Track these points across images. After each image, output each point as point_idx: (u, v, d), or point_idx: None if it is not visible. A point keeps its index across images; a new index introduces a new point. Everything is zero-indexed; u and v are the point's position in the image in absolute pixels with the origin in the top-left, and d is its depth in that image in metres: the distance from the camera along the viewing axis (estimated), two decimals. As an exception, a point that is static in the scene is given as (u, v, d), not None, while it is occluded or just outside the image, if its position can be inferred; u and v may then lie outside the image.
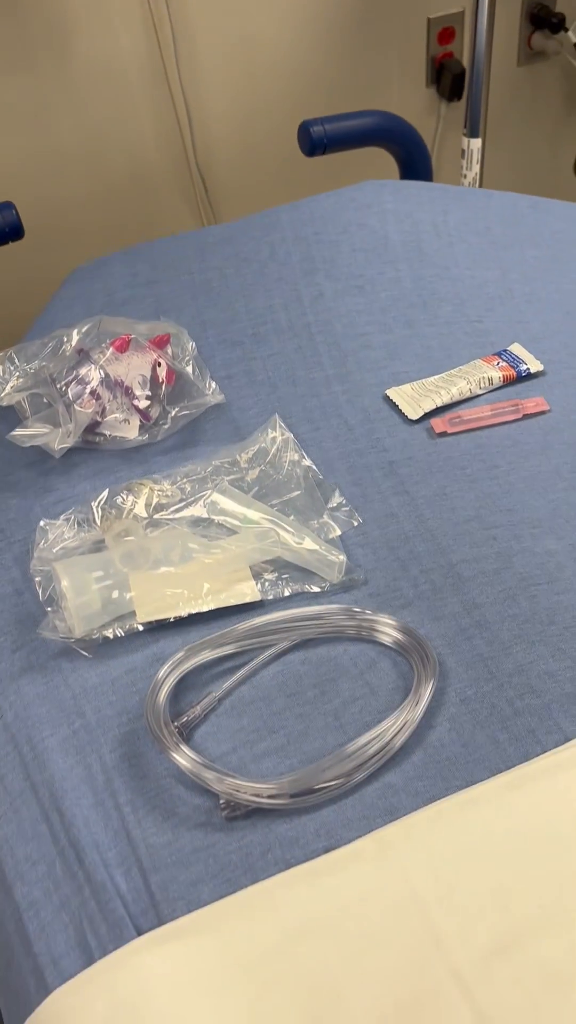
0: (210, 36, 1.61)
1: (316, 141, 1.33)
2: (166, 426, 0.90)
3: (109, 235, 1.75)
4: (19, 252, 1.38)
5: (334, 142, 1.34)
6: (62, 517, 0.82)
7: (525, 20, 1.90)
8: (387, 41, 1.79)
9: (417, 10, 1.78)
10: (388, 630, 0.73)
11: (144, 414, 0.89)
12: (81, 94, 1.57)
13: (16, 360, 0.93)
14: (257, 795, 0.63)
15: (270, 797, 0.63)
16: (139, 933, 0.60)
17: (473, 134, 1.51)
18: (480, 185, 1.59)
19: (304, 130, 1.33)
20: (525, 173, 2.13)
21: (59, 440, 0.86)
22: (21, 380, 0.91)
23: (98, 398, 0.87)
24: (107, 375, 0.87)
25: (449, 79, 1.89)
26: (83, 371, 0.87)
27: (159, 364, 0.90)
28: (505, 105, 1.95)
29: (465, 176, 1.56)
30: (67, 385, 0.87)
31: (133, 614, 0.74)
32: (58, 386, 0.87)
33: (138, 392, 0.89)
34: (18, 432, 0.87)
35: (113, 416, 0.88)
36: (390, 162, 1.51)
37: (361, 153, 1.48)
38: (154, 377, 0.90)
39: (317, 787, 0.64)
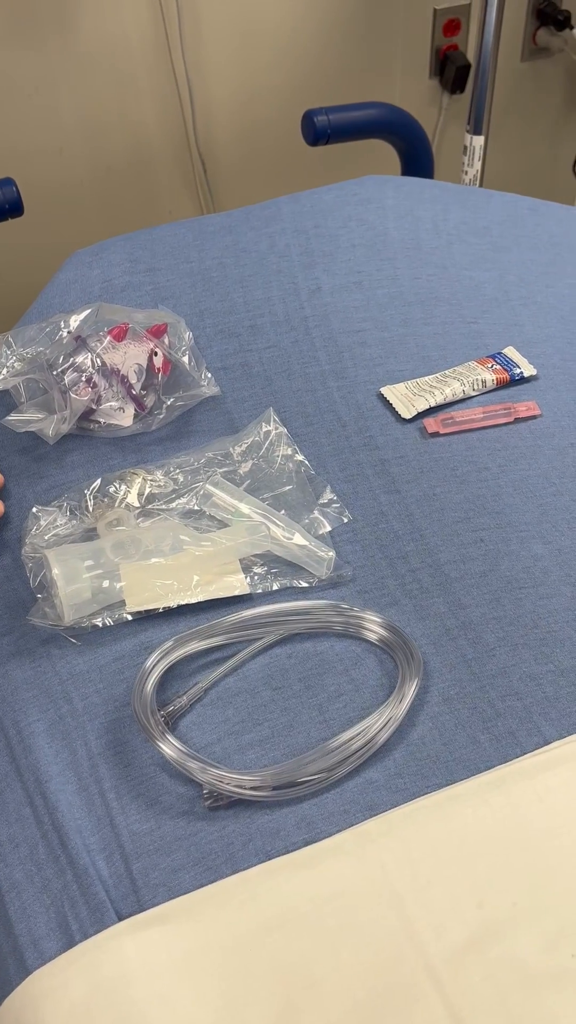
0: (215, 19, 1.60)
1: (320, 131, 1.33)
2: (160, 416, 0.90)
3: (108, 215, 1.75)
4: (17, 230, 1.37)
5: (338, 133, 1.34)
6: (54, 504, 0.82)
7: (531, 15, 1.89)
8: (392, 30, 1.79)
9: (423, 0, 1.77)
10: (374, 627, 0.74)
11: (139, 403, 0.90)
12: (84, 72, 1.56)
13: (13, 344, 0.92)
14: (240, 786, 0.64)
15: (253, 789, 0.65)
16: (120, 918, 0.61)
17: (476, 131, 1.51)
18: (481, 182, 1.59)
19: (308, 119, 1.33)
20: (524, 171, 2.13)
21: (54, 427, 0.86)
22: (18, 365, 0.91)
23: (94, 386, 0.87)
24: (103, 363, 0.88)
25: (453, 71, 1.88)
26: (80, 358, 0.87)
27: (155, 353, 0.90)
28: (507, 101, 1.95)
29: (466, 173, 1.56)
30: (63, 372, 0.87)
31: (123, 603, 0.75)
32: (54, 372, 0.87)
33: (134, 381, 0.89)
34: (13, 417, 0.87)
35: (108, 404, 0.88)
36: (389, 154, 1.51)
37: (361, 144, 1.48)
38: (150, 366, 0.90)
39: (300, 780, 0.65)
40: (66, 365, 0.87)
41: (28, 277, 1.42)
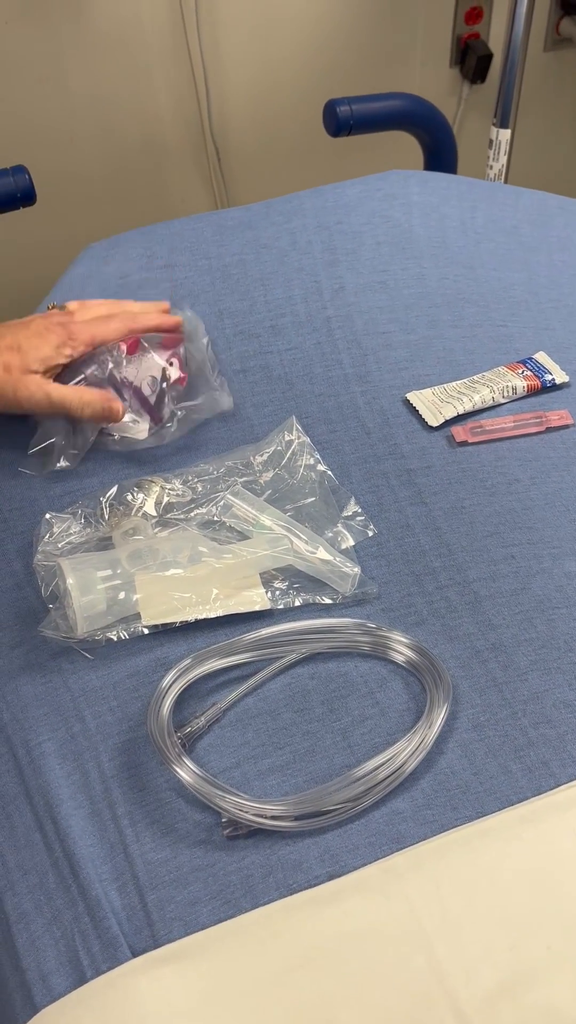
0: (232, 4, 1.56)
1: (342, 122, 1.29)
2: (173, 429, 0.87)
3: (120, 205, 1.71)
4: (27, 220, 1.34)
5: (360, 124, 1.31)
6: (68, 511, 0.79)
7: (555, 4, 1.86)
8: (413, 18, 1.75)
9: (446, -11, 1.73)
10: (401, 648, 0.71)
11: (154, 415, 0.86)
12: (96, 58, 1.53)
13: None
14: (260, 815, 0.61)
15: (274, 818, 0.62)
16: (133, 953, 0.58)
17: (503, 124, 1.47)
18: (506, 178, 1.55)
19: (330, 110, 1.29)
20: (546, 163, 2.09)
21: (63, 459, 0.83)
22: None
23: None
24: (117, 376, 0.84)
25: (474, 60, 1.85)
26: (90, 370, 0.84)
27: (171, 364, 0.87)
28: (529, 91, 1.91)
29: (491, 167, 1.52)
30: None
31: (138, 616, 0.72)
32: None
33: (148, 393, 0.86)
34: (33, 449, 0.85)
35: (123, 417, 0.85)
36: (407, 146, 1.47)
37: (379, 135, 1.44)
38: (165, 379, 0.87)
39: (323, 810, 0.62)
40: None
41: (38, 270, 1.39)
